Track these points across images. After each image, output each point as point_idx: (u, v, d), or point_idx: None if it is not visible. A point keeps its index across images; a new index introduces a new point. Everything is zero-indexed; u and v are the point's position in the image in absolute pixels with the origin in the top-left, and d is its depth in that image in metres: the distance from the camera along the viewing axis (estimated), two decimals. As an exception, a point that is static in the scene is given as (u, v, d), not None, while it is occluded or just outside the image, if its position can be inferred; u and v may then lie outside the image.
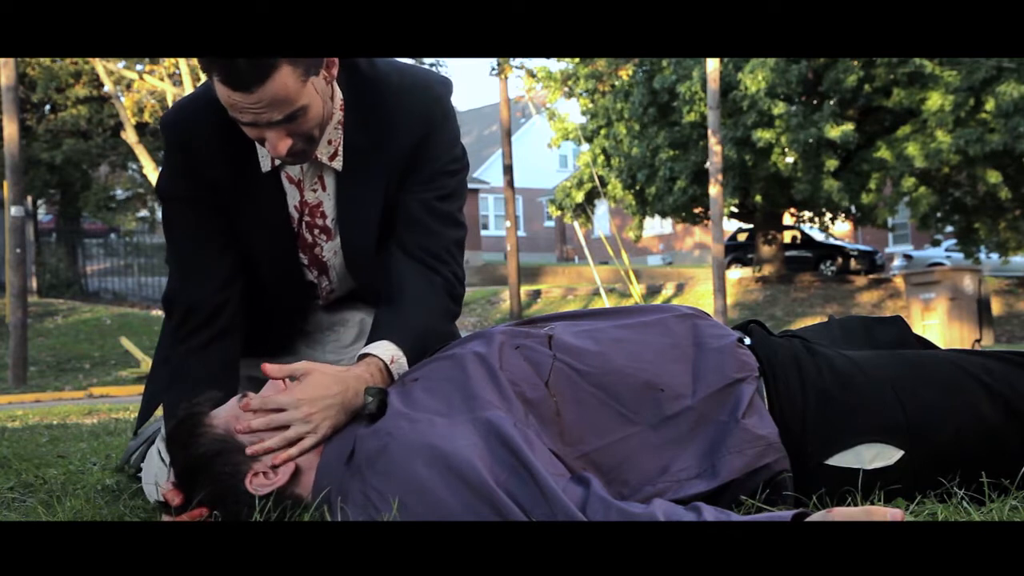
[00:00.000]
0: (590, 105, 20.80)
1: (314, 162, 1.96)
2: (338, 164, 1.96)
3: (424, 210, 1.96)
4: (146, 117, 17.51)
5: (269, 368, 1.67)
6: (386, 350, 1.78)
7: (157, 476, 2.00)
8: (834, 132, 16.82)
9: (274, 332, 2.19)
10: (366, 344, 1.82)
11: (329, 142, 1.93)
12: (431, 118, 1.97)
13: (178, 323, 2.03)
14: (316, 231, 2.06)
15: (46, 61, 18.66)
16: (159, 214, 1.95)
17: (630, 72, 19.85)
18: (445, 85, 2.02)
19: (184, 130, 1.97)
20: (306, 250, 2.09)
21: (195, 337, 2.00)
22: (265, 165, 1.96)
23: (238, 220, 2.01)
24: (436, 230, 1.96)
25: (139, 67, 18.11)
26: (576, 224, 21.86)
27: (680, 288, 20.79)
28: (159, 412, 2.15)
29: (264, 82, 1.67)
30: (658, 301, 18.46)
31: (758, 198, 18.92)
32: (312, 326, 2.25)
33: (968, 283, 12.81)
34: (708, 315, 1.83)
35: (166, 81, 17.25)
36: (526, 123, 35.02)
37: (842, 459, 1.65)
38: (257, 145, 1.94)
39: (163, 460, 2.04)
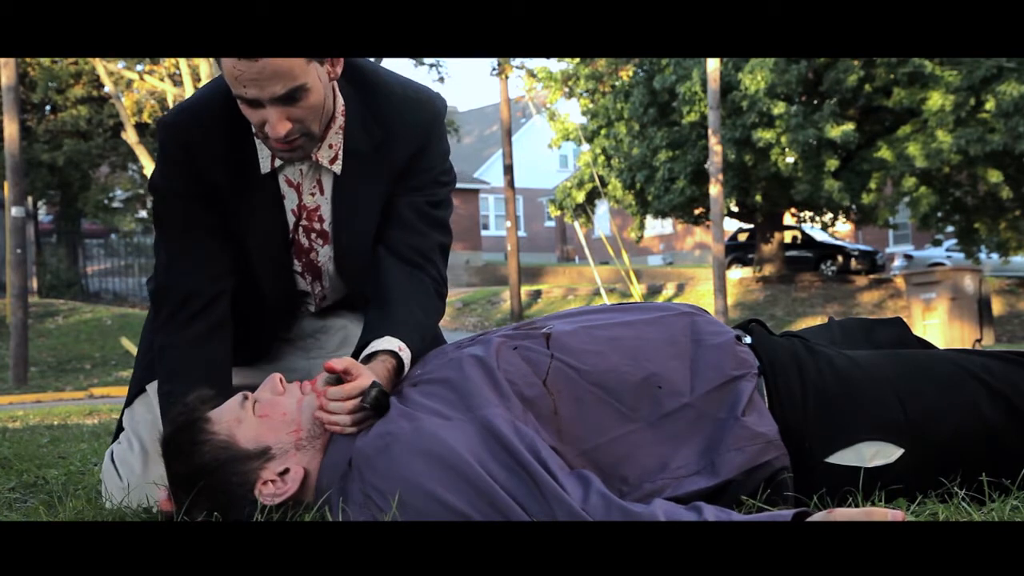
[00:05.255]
0: (590, 105, 20.79)
1: (314, 164, 1.97)
2: (337, 167, 1.98)
3: (414, 212, 2.00)
4: (146, 117, 17.52)
5: (334, 363, 1.68)
6: (393, 344, 1.79)
7: (108, 482, 2.02)
8: (834, 132, 16.81)
9: (256, 339, 2.18)
10: (364, 340, 1.82)
11: (330, 146, 1.96)
12: (430, 132, 2.02)
13: (173, 311, 2.00)
14: (313, 235, 2.07)
15: (46, 61, 18.67)
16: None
17: (630, 72, 19.84)
18: (442, 102, 2.07)
19: (185, 130, 1.97)
20: (301, 255, 2.09)
21: (193, 326, 1.98)
22: (264, 167, 1.97)
23: (234, 223, 2.01)
24: (424, 232, 2.01)
25: (139, 67, 18.11)
26: (576, 224, 21.85)
27: (681, 288, 20.79)
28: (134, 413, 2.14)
29: None
30: (659, 301, 18.44)
31: (758, 198, 18.92)
32: (294, 334, 2.24)
33: (969, 283, 12.81)
34: (707, 312, 1.83)
35: (166, 81, 17.27)
36: (526, 123, 35.01)
37: (842, 457, 1.65)
38: (258, 147, 1.95)
39: (113, 464, 2.04)
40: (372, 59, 2.15)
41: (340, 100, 1.95)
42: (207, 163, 1.95)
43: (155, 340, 2.06)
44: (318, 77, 1.79)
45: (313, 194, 2.02)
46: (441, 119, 2.06)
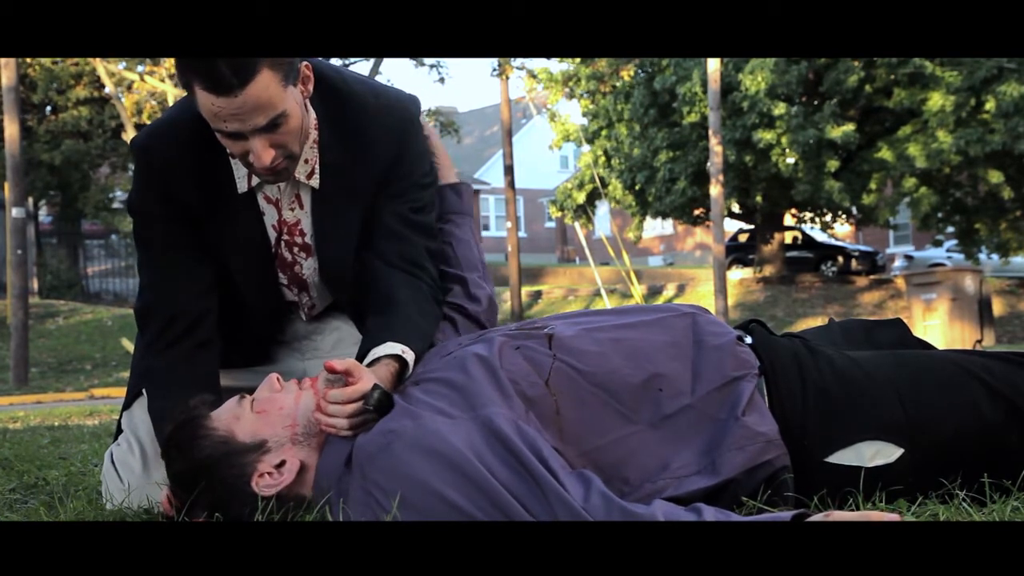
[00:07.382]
0: (591, 106, 20.80)
1: (292, 181, 1.97)
2: (315, 182, 1.98)
3: (400, 221, 2.00)
4: (146, 118, 17.52)
5: (335, 364, 1.68)
6: (395, 349, 1.79)
7: (109, 483, 2.01)
8: (835, 132, 16.82)
9: (251, 343, 2.19)
10: (366, 347, 1.82)
11: (306, 161, 1.95)
12: (406, 137, 2.01)
13: (158, 332, 2.00)
14: (295, 249, 2.07)
15: (47, 62, 18.67)
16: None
17: (631, 73, 19.85)
18: (415, 104, 2.06)
19: (158, 154, 1.96)
20: (286, 269, 2.10)
21: (178, 346, 1.98)
22: (242, 186, 1.97)
23: (215, 242, 2.01)
24: (412, 239, 2.01)
25: (140, 68, 18.12)
26: (577, 225, 21.85)
27: (681, 289, 20.79)
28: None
29: (246, 85, 1.68)
30: (659, 302, 18.45)
31: (759, 199, 18.93)
32: (288, 336, 2.25)
33: (969, 283, 12.81)
34: (708, 312, 1.84)
35: (167, 82, 17.27)
36: (527, 124, 35.01)
37: (842, 456, 1.65)
38: (234, 167, 1.95)
39: (113, 465, 2.05)
40: (368, 60, 2.15)
41: (312, 114, 1.94)
42: (183, 184, 1.95)
43: (142, 361, 2.07)
44: (295, 101, 1.79)
45: (293, 209, 2.02)
46: (416, 122, 2.05)
